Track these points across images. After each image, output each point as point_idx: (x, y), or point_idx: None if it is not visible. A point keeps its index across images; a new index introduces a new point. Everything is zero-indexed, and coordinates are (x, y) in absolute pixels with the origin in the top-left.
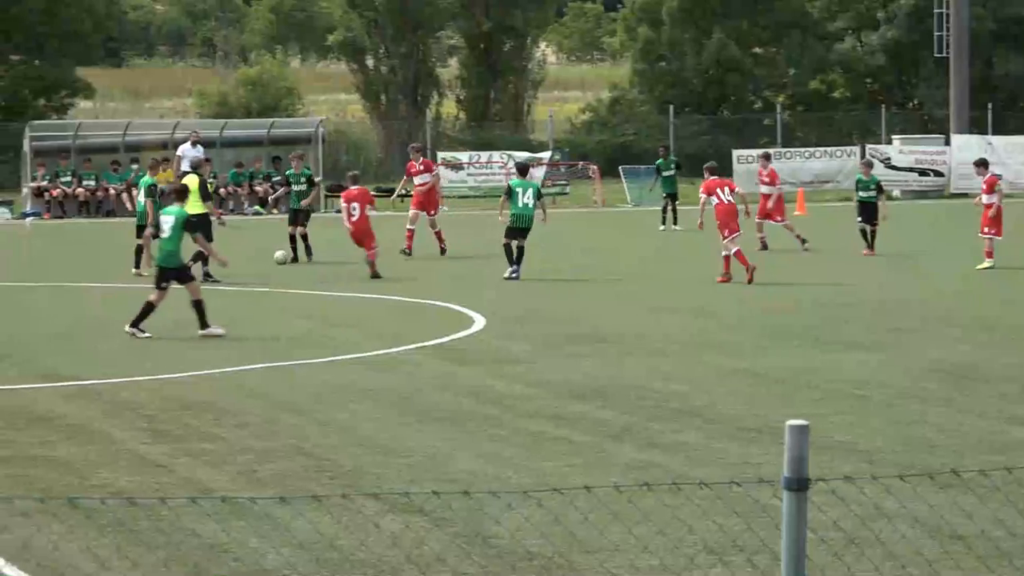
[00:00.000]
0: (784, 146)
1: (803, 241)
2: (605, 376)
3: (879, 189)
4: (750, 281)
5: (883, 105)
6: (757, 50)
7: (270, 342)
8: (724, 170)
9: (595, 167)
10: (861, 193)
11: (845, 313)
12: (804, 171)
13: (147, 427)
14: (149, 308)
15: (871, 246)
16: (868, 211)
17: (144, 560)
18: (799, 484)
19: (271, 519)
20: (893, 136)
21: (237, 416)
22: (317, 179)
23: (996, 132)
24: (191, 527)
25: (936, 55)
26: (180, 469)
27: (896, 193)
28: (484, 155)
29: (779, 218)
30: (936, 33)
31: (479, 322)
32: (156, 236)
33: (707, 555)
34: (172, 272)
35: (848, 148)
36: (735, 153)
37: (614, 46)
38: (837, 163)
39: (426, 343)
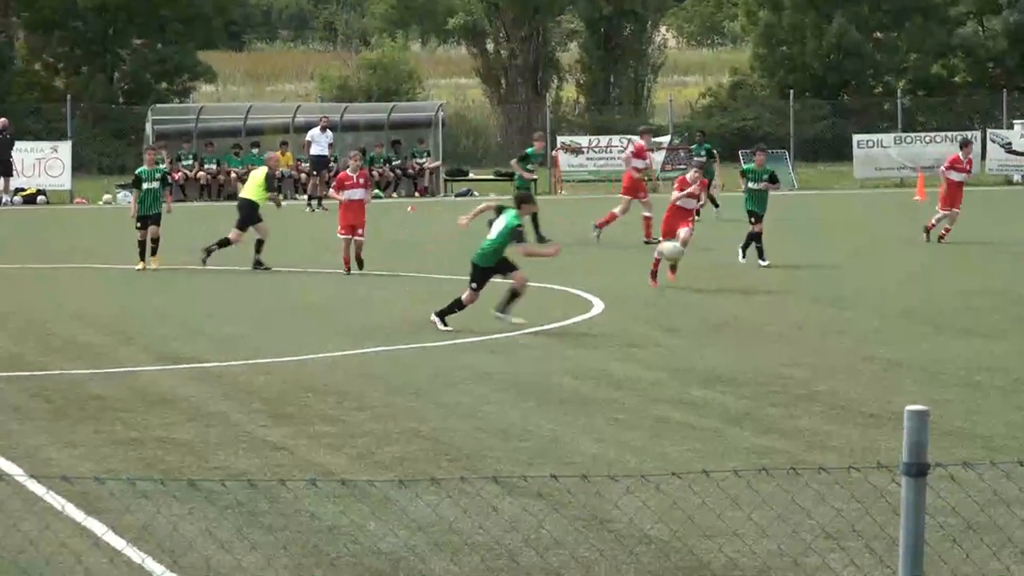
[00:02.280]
0: (904, 131)
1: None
2: (726, 361)
3: None
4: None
5: (1004, 90)
6: (878, 35)
7: (391, 325)
8: (844, 155)
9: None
10: None
11: (971, 301)
12: (925, 156)
13: (267, 409)
14: (458, 305)
15: None
16: None
17: (263, 542)
18: (918, 470)
19: (389, 502)
20: (1014, 121)
21: (356, 399)
22: (437, 163)
23: None
24: (310, 509)
25: None
26: (299, 451)
27: (1016, 178)
28: (604, 139)
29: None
30: None
31: (598, 306)
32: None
33: (825, 540)
34: (489, 271)
35: (969, 133)
36: (855, 138)
37: (735, 30)
38: (958, 148)
39: (545, 327)
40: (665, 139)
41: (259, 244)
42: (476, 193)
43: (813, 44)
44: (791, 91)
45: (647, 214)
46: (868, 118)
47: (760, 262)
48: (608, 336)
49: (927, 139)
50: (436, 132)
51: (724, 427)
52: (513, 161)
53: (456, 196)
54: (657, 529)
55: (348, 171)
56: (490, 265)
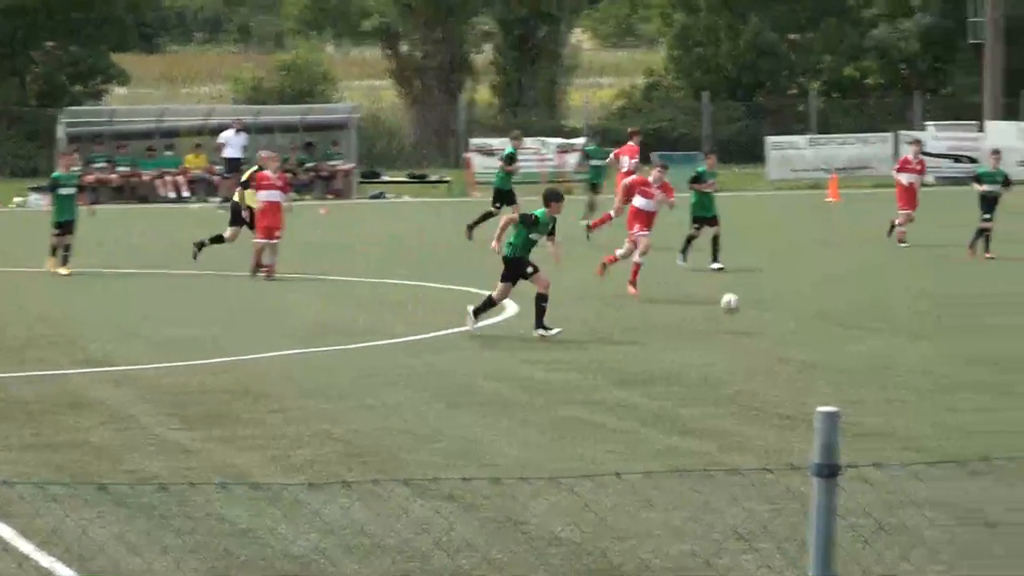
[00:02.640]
0: (818, 132)
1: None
2: (641, 363)
3: (1006, 183)
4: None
5: (917, 92)
6: (792, 36)
7: (306, 328)
8: (758, 157)
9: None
10: (986, 187)
11: (886, 302)
12: (838, 158)
13: (181, 413)
14: (490, 303)
15: (988, 247)
16: (990, 206)
17: (173, 545)
18: (829, 471)
19: (301, 504)
20: (926, 123)
21: (271, 402)
22: (350, 165)
23: None
24: (221, 513)
25: (970, 41)
26: (213, 454)
27: (930, 179)
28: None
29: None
30: (970, 19)
31: (513, 308)
32: None
33: (737, 541)
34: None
35: (882, 135)
36: (769, 140)
37: (649, 32)
38: (871, 149)
39: (460, 329)
40: (579, 141)
41: (218, 238)
42: (389, 196)
43: (728, 45)
44: (706, 92)
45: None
46: (782, 119)
47: (713, 265)
48: (524, 338)
49: (840, 141)
50: (350, 134)
51: (638, 428)
52: (499, 162)
53: (370, 198)
54: (569, 531)
55: (268, 171)
56: (519, 257)
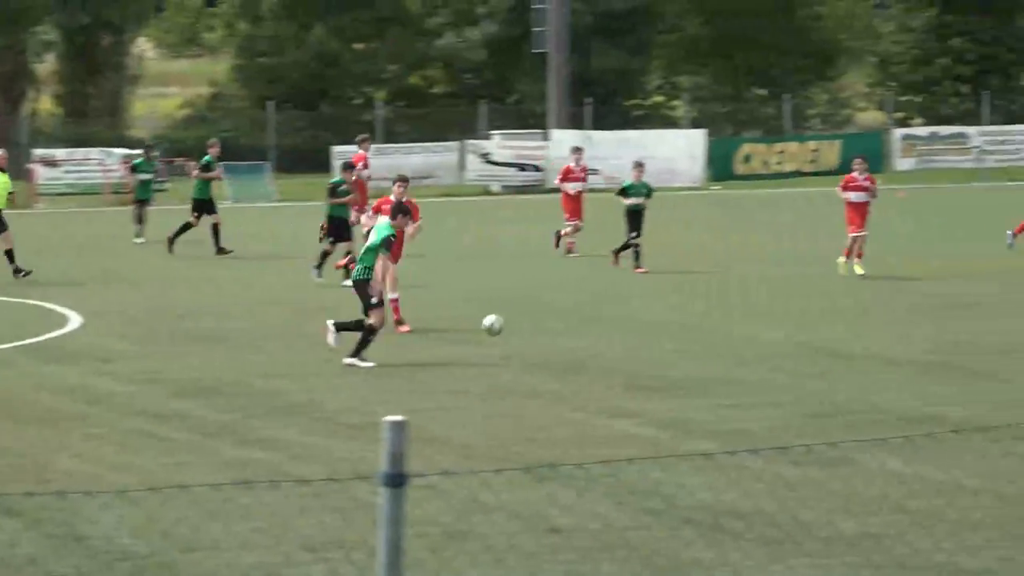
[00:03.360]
0: (384, 142)
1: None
2: (206, 373)
3: (650, 195)
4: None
5: (483, 100)
6: (358, 46)
7: None
8: (324, 166)
9: (193, 163)
10: (632, 200)
11: (456, 309)
12: (403, 167)
13: None
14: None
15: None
16: (637, 221)
17: None
18: (396, 480)
19: None
20: (492, 131)
21: None
22: None
23: (595, 127)
24: None
25: (535, 50)
26: None
27: (495, 188)
28: (81, 152)
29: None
30: (535, 28)
31: (76, 320)
32: None
33: (305, 552)
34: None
35: (447, 143)
36: (335, 149)
37: (214, 41)
38: (436, 158)
39: (19, 343)
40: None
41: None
42: None
43: (293, 55)
44: (271, 102)
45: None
46: (347, 128)
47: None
48: (85, 351)
49: (406, 150)
50: None
51: (204, 440)
52: (195, 171)
53: None
54: (135, 544)
55: None
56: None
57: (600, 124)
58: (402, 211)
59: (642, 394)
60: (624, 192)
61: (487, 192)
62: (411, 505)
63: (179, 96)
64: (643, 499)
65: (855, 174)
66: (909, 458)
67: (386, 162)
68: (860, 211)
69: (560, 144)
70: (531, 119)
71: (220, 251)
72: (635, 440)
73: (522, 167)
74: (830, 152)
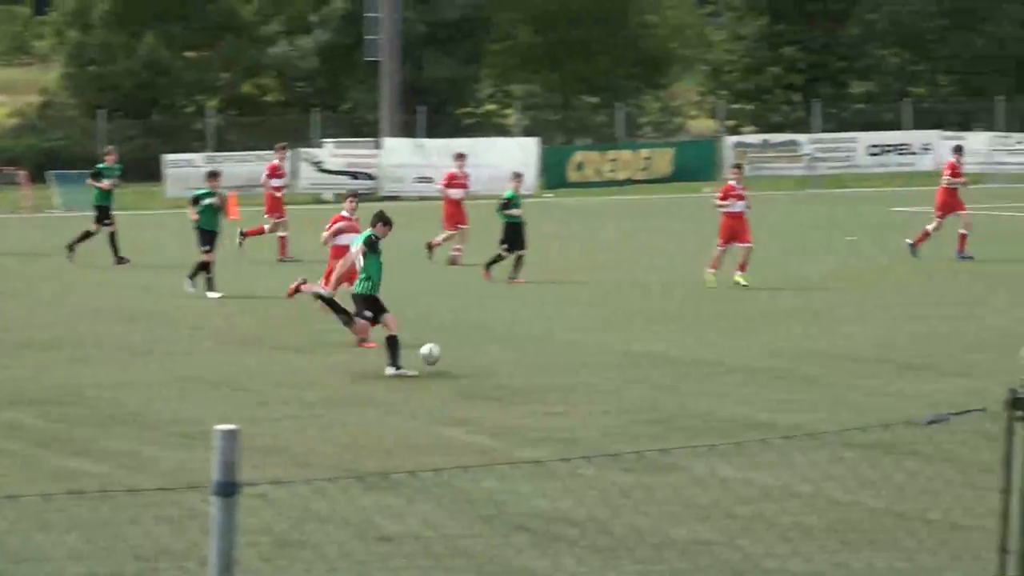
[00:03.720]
0: (217, 150)
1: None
2: (37, 383)
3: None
4: None
5: (315, 108)
6: (189, 54)
7: None
8: (156, 175)
9: (23, 172)
10: (512, 212)
11: (293, 316)
12: (237, 175)
13: None
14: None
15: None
16: (519, 233)
17: None
18: (228, 489)
19: None
20: (325, 139)
21: None
22: None
23: (428, 135)
24: None
25: (368, 59)
26: None
27: (329, 196)
28: None
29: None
30: (368, 37)
31: None
32: None
33: (137, 562)
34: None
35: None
36: (166, 158)
37: (43, 49)
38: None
39: None
40: None
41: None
42: None
43: (124, 63)
44: (102, 111)
45: (282, 234)
46: (180, 137)
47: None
48: None
49: (239, 158)
50: None
51: (31, 450)
52: (88, 180)
53: None
54: None
55: None
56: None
57: (433, 132)
58: (383, 219)
59: (475, 402)
60: (507, 204)
61: (320, 200)
62: (243, 514)
63: (8, 105)
64: (476, 507)
65: (733, 183)
66: (740, 464)
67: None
68: (740, 221)
69: (392, 152)
70: (364, 127)
71: (119, 260)
72: (468, 448)
73: (355, 175)
74: (662, 160)
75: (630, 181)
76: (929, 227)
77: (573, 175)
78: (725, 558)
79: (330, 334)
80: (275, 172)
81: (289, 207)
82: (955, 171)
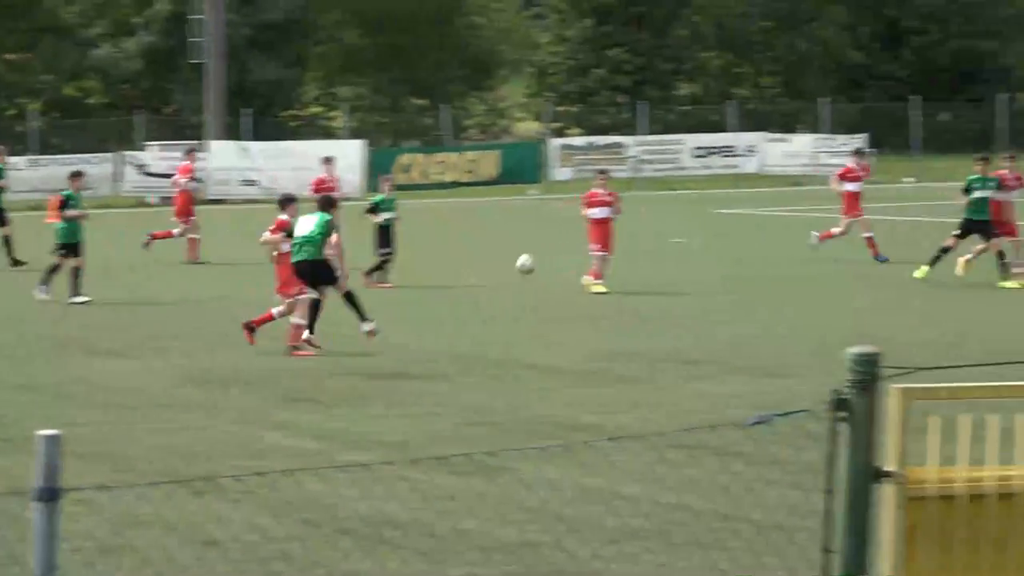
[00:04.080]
0: (39, 153)
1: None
2: None
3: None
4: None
5: (139, 111)
6: (10, 56)
7: None
8: None
9: None
10: (384, 215)
11: (116, 319)
12: (58, 178)
13: None
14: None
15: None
16: (388, 236)
17: None
18: (50, 494)
19: None
20: (149, 142)
21: None
22: None
23: (253, 138)
24: None
25: (193, 61)
26: None
27: (154, 200)
28: None
29: None
30: (192, 39)
31: None
32: None
33: None
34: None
35: (103, 155)
36: None
37: None
38: (93, 170)
39: None
40: None
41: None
42: None
43: None
44: None
45: (194, 236)
46: (1, 140)
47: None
48: None
49: (62, 161)
50: None
51: None
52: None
53: None
54: None
55: None
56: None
57: (258, 135)
58: (331, 203)
59: (299, 405)
60: (375, 208)
61: (144, 204)
62: (66, 520)
63: None
64: (300, 510)
65: (597, 189)
66: (567, 466)
67: (41, 174)
68: (603, 228)
69: (218, 155)
70: (188, 130)
71: (15, 263)
72: (292, 452)
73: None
74: (488, 162)
75: (456, 183)
76: (835, 229)
77: (400, 177)
78: (552, 560)
79: (155, 340)
80: (187, 173)
81: (112, 210)
82: (852, 173)
